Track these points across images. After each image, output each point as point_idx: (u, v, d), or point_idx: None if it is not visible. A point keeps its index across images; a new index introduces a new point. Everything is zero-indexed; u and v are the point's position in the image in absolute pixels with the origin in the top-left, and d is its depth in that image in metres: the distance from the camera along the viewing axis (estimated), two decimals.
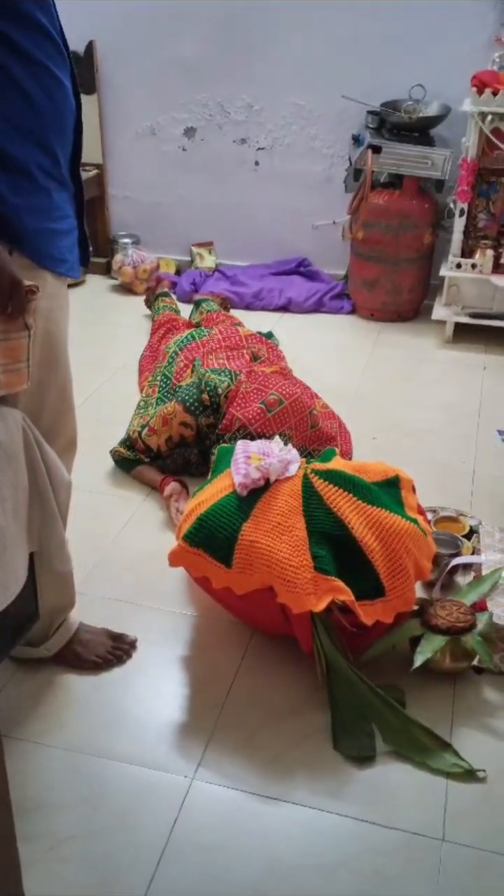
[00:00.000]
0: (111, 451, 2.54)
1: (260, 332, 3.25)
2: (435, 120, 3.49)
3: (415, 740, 1.62)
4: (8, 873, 1.18)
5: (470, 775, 1.56)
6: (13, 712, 1.68)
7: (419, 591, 1.98)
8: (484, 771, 1.57)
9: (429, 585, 2.04)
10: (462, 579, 2.08)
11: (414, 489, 1.95)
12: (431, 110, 3.50)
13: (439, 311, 3.55)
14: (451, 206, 3.49)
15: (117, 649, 1.83)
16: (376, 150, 3.45)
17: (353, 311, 3.81)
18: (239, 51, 3.67)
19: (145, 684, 1.77)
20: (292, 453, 1.84)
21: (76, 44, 3.55)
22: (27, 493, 1.52)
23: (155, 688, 1.77)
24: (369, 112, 3.55)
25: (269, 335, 3.34)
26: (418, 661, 1.69)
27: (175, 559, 1.78)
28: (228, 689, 1.77)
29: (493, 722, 1.69)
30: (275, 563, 1.66)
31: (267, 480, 1.77)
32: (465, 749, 1.62)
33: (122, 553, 2.17)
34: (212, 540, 1.72)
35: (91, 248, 1.63)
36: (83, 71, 3.72)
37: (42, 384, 1.53)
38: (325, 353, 3.42)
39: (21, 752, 1.60)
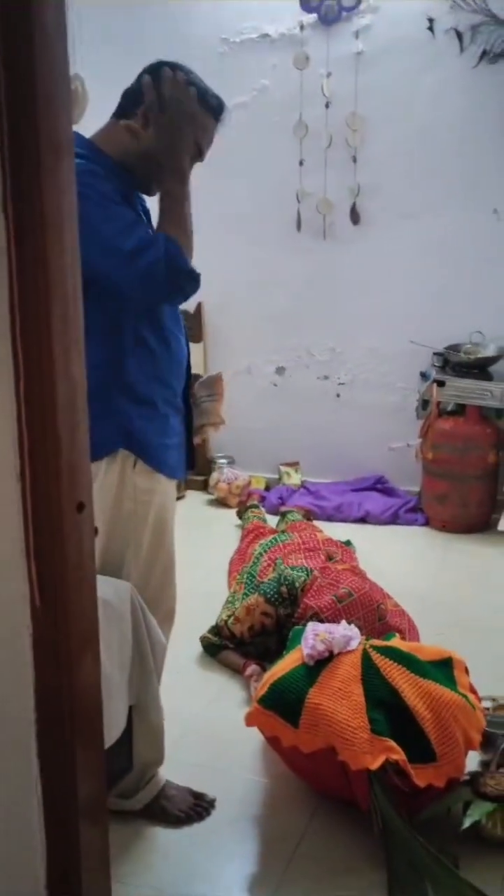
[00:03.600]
0: (200, 638, 2.87)
1: (339, 541, 3.62)
2: (492, 360, 4.01)
3: None
4: None
5: None
6: None
7: (474, 767, 2.15)
8: None
9: (484, 766, 2.20)
10: None
11: (467, 671, 2.19)
12: (489, 351, 4.04)
13: None
14: None
15: (198, 806, 2.06)
16: (440, 384, 3.97)
17: (426, 524, 4.14)
18: (321, 305, 4.38)
19: (222, 838, 1.98)
20: (354, 631, 2.14)
21: (188, 304, 4.35)
22: (130, 651, 1.87)
23: (230, 841, 1.97)
24: (435, 353, 4.11)
25: (348, 543, 3.70)
26: (467, 822, 1.86)
27: (250, 719, 2.05)
28: (296, 846, 1.95)
29: None
30: (336, 723, 1.91)
31: (331, 652, 2.06)
32: None
33: (206, 725, 2.43)
34: (282, 703, 1.99)
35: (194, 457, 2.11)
36: (193, 324, 4.50)
37: (150, 562, 1.94)
38: (400, 560, 3.73)
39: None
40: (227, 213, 4.13)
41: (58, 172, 1.02)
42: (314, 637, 2.11)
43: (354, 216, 4.14)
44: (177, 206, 1.81)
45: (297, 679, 2.03)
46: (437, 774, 1.90)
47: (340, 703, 1.94)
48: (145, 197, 1.96)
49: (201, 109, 1.83)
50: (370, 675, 2.00)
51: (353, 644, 2.08)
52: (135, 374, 1.83)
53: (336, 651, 2.06)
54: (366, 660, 2.04)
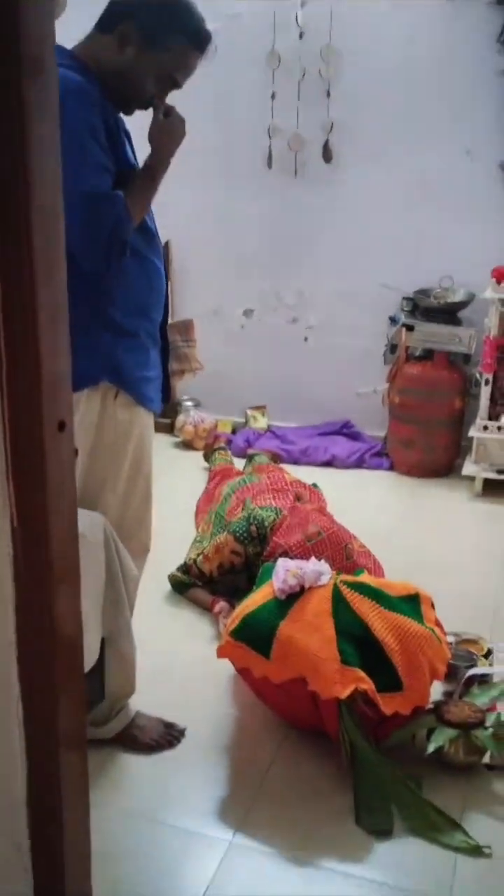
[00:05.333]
0: (169, 576, 2.88)
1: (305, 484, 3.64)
2: (461, 304, 4.01)
3: (428, 819, 1.81)
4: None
5: (477, 851, 1.74)
6: None
7: (438, 697, 2.21)
8: (490, 848, 1.75)
9: (448, 696, 2.26)
10: (478, 691, 2.29)
11: (433, 606, 2.23)
12: (458, 296, 4.04)
13: (469, 468, 3.91)
14: (478, 376, 3.93)
15: (169, 735, 2.09)
16: (409, 328, 3.97)
17: (391, 468, 4.18)
18: (291, 246, 4.32)
19: (192, 765, 2.02)
20: (325, 567, 2.16)
21: None
22: (103, 583, 1.86)
23: (200, 768, 2.01)
24: (404, 298, 4.10)
25: (314, 486, 3.72)
26: (431, 747, 1.91)
27: (222, 651, 2.07)
28: (265, 772, 2.00)
29: (501, 809, 1.88)
30: (306, 655, 1.94)
31: (302, 587, 2.09)
32: (473, 831, 1.80)
33: (175, 660, 2.46)
34: (254, 635, 2.02)
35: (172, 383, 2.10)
36: None
37: (128, 495, 1.93)
38: (365, 503, 3.77)
39: None
40: (195, 146, 3.99)
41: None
42: (285, 572, 2.13)
43: (327, 154, 4.06)
44: (149, 188, 1.80)
45: (268, 612, 2.05)
46: (404, 703, 1.95)
47: (311, 635, 1.97)
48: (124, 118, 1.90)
49: (187, 43, 1.77)
50: (340, 609, 2.03)
51: (324, 579, 2.11)
52: (118, 307, 1.80)
53: (307, 586, 2.08)
54: (336, 594, 2.06)
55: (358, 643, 1.98)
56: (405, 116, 3.95)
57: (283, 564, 2.21)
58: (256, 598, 2.14)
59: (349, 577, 2.15)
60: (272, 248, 4.35)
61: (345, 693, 1.89)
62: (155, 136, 1.81)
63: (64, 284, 1.08)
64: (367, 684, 1.90)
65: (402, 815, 1.83)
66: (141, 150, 1.88)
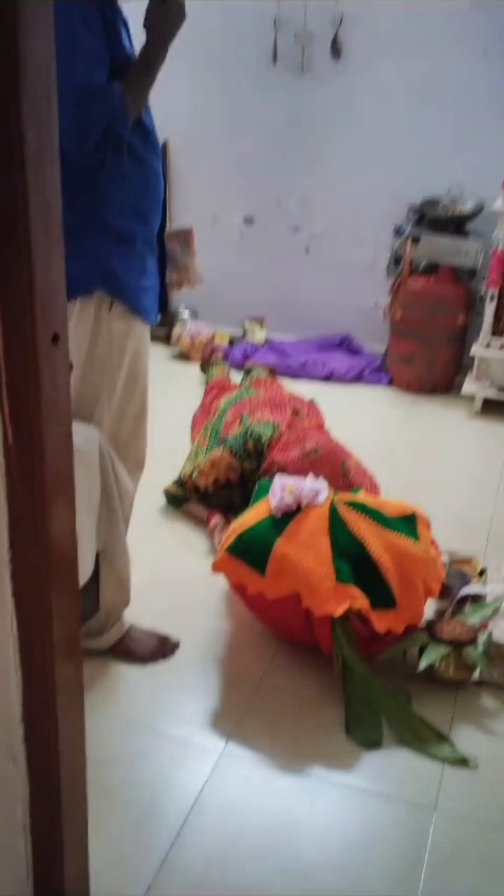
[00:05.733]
0: (164, 490, 2.86)
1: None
2: (469, 216, 3.88)
3: (417, 731, 1.85)
4: (78, 809, 1.43)
5: (463, 762, 1.79)
6: None
7: (431, 616, 2.23)
8: (475, 759, 1.79)
9: (440, 614, 2.29)
10: (470, 609, 2.31)
11: (429, 526, 2.23)
12: (467, 207, 3.90)
13: (469, 386, 3.86)
14: (483, 292, 3.84)
15: (163, 647, 2.11)
16: (415, 240, 3.84)
17: (390, 384, 4.14)
18: (294, 149, 4.15)
19: (186, 676, 2.05)
20: (322, 485, 2.14)
21: None
22: (98, 498, 1.84)
23: (194, 679, 2.04)
24: (411, 208, 3.96)
25: (312, 401, 3.68)
26: (422, 664, 1.94)
27: (217, 566, 2.07)
28: (257, 684, 2.03)
29: (489, 723, 1.92)
30: (302, 572, 1.94)
31: (299, 505, 2.07)
32: (460, 743, 1.84)
33: (170, 574, 2.47)
34: (249, 551, 2.01)
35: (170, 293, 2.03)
36: None
37: (123, 409, 1.88)
38: (363, 420, 3.74)
39: None
40: (195, 38, 3.80)
41: None
42: (282, 490, 2.11)
43: (335, 49, 3.85)
44: (146, 79, 1.69)
45: (264, 530, 2.04)
46: (397, 620, 1.97)
47: (307, 552, 1.97)
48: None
49: None
50: (337, 528, 2.02)
51: (321, 498, 2.09)
52: (114, 209, 1.71)
53: (304, 504, 2.07)
54: (333, 513, 2.05)
55: (353, 561, 1.98)
56: (420, 11, 3.72)
57: (279, 482, 2.19)
58: (253, 515, 2.12)
59: (346, 496, 2.13)
60: (274, 150, 4.17)
61: (339, 611, 1.89)
62: (152, 19, 1.69)
63: (58, 186, 1.01)
64: (362, 602, 1.91)
65: (391, 728, 1.87)
66: (138, 39, 1.75)
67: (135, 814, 1.66)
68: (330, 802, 1.71)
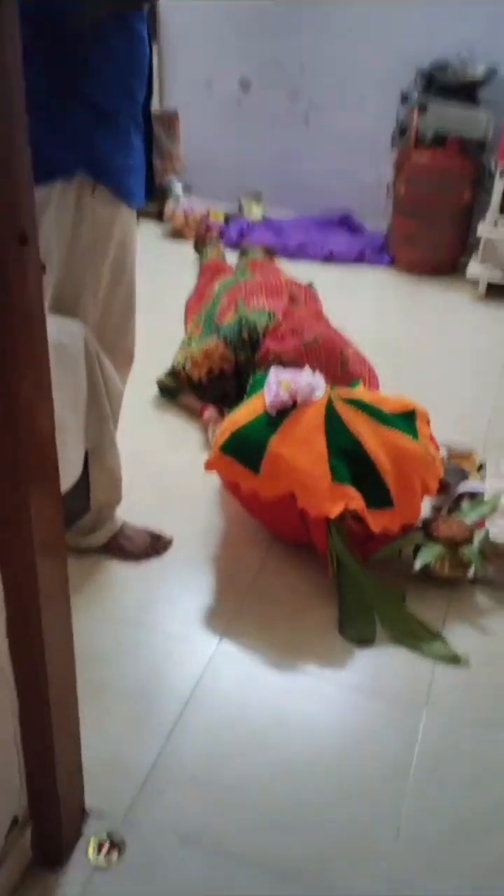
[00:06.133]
0: (156, 381, 2.78)
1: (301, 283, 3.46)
2: (481, 81, 3.61)
3: (410, 629, 1.85)
4: (69, 707, 1.43)
5: (456, 660, 1.80)
6: None
7: (427, 512, 2.21)
8: (468, 656, 1.80)
9: (437, 511, 2.26)
10: (467, 507, 2.29)
11: (428, 422, 2.16)
12: (478, 72, 3.62)
13: (474, 269, 3.71)
14: (492, 166, 3.62)
15: (156, 545, 2.09)
16: (422, 108, 3.59)
17: (392, 265, 3.97)
18: (294, 9, 3.81)
19: (179, 573, 2.03)
20: (319, 380, 2.06)
21: None
22: (85, 396, 1.76)
23: (187, 577, 2.03)
24: (418, 73, 3.68)
25: (310, 285, 3.54)
26: (418, 563, 1.92)
27: (210, 464, 2.02)
28: (251, 582, 2.02)
29: (482, 620, 1.92)
30: (297, 471, 1.89)
31: (295, 402, 2.00)
32: (454, 641, 1.85)
33: (163, 468, 2.42)
34: (243, 450, 1.96)
35: (156, 181, 1.87)
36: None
37: (109, 302, 1.77)
38: (362, 304, 3.61)
39: None
40: None
41: None
42: (277, 385, 2.03)
43: None
44: None
45: (258, 427, 1.97)
46: (393, 520, 1.93)
47: (302, 451, 1.91)
48: None
49: None
50: (333, 425, 1.96)
51: (318, 394, 2.01)
52: (96, 80, 1.54)
53: (300, 401, 1.99)
54: (329, 410, 1.98)
55: (350, 460, 1.93)
56: None
57: (275, 376, 2.11)
58: (246, 412, 2.05)
59: (344, 391, 2.06)
60: (273, 6, 3.83)
61: (334, 511, 1.86)
62: None
63: (18, 45, 0.86)
64: (358, 502, 1.87)
65: (384, 626, 1.87)
66: None
67: (127, 712, 1.67)
68: (322, 700, 1.72)
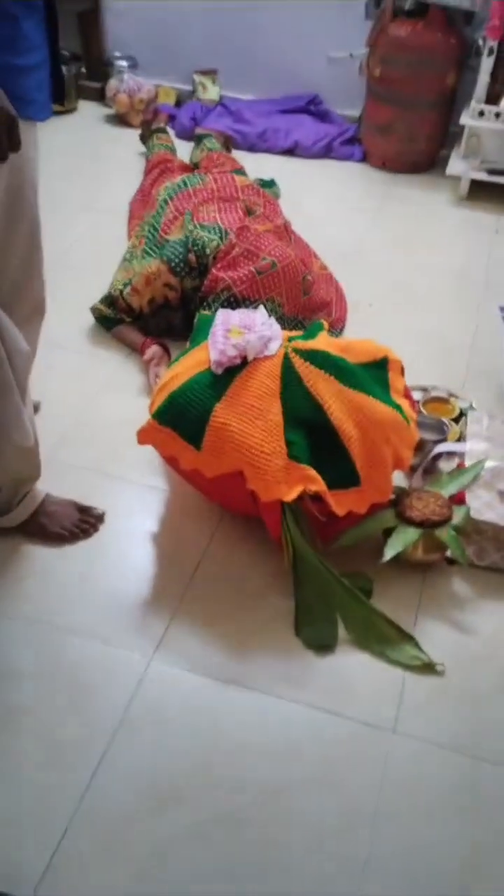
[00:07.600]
0: (91, 308, 2.40)
1: (261, 180, 3.03)
2: None
3: (376, 631, 1.60)
4: None
5: (428, 668, 1.56)
6: None
7: (400, 478, 1.92)
8: (442, 665, 1.57)
9: (410, 471, 1.97)
10: (446, 465, 2.00)
11: (403, 371, 1.84)
12: None
13: (456, 165, 3.28)
14: (480, 42, 3.13)
15: (84, 522, 1.79)
16: None
17: (363, 159, 3.52)
18: None
19: (110, 559, 1.75)
20: (274, 329, 1.71)
21: None
22: None
23: (120, 563, 1.74)
24: None
25: (271, 183, 3.11)
26: (388, 554, 1.65)
27: (143, 437, 1.70)
28: (195, 568, 1.74)
29: (458, 615, 1.68)
30: (246, 448, 1.58)
31: (244, 359, 1.66)
32: (426, 641, 1.61)
33: (96, 418, 2.09)
34: (182, 419, 1.63)
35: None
36: None
37: (5, 246, 1.39)
38: (330, 205, 3.19)
39: None
40: None
41: None
42: (225, 336, 1.69)
43: None
44: None
45: (200, 389, 1.64)
46: (360, 500, 1.65)
47: (253, 423, 1.59)
48: None
49: None
50: (291, 386, 1.63)
51: (273, 348, 1.67)
52: None
53: (250, 358, 1.66)
54: (286, 369, 1.65)
55: (309, 430, 1.62)
56: None
57: (223, 321, 1.76)
58: (187, 366, 1.71)
59: (303, 345, 1.71)
60: None
61: (290, 495, 1.56)
62: None
63: None
64: (317, 484, 1.58)
65: (347, 627, 1.62)
66: None
67: (48, 740, 1.42)
68: (272, 722, 1.48)
